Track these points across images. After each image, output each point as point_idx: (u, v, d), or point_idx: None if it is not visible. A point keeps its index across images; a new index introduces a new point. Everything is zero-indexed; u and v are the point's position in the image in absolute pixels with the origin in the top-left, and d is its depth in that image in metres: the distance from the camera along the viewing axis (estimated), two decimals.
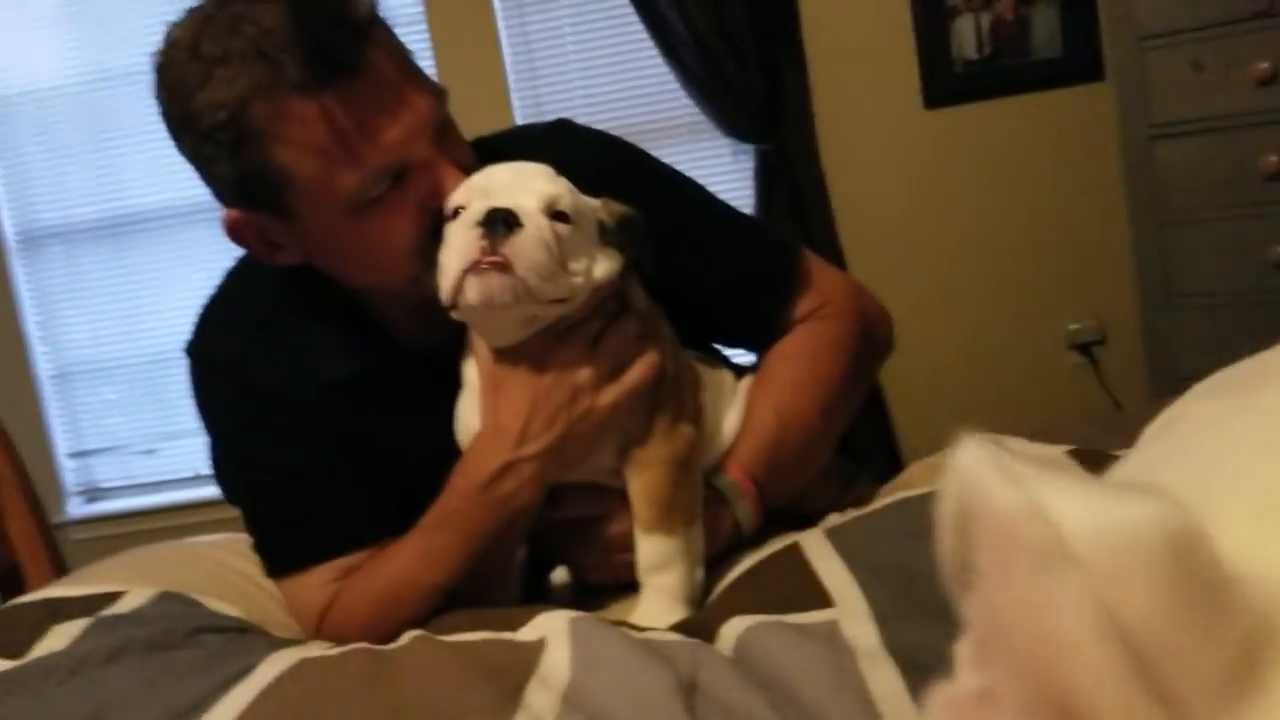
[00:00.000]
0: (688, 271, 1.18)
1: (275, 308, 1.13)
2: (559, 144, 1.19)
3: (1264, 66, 2.52)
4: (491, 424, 1.04)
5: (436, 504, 1.07)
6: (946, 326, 3.32)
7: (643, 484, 1.05)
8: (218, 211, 1.06)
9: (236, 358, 1.14)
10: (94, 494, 3.84)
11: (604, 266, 1.02)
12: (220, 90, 0.95)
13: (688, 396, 1.11)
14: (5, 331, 3.70)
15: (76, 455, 3.82)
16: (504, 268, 0.94)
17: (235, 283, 1.19)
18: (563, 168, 1.11)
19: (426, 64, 3.33)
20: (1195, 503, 0.27)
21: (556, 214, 0.98)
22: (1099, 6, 3.17)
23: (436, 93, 1.04)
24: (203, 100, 0.95)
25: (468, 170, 1.05)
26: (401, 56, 1.03)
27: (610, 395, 1.04)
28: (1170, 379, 2.92)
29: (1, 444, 1.52)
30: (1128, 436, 1.06)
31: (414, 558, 1.08)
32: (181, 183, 3.48)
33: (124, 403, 3.80)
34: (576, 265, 0.99)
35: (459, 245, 0.95)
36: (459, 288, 0.96)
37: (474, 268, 0.94)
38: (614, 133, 1.24)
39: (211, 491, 1.17)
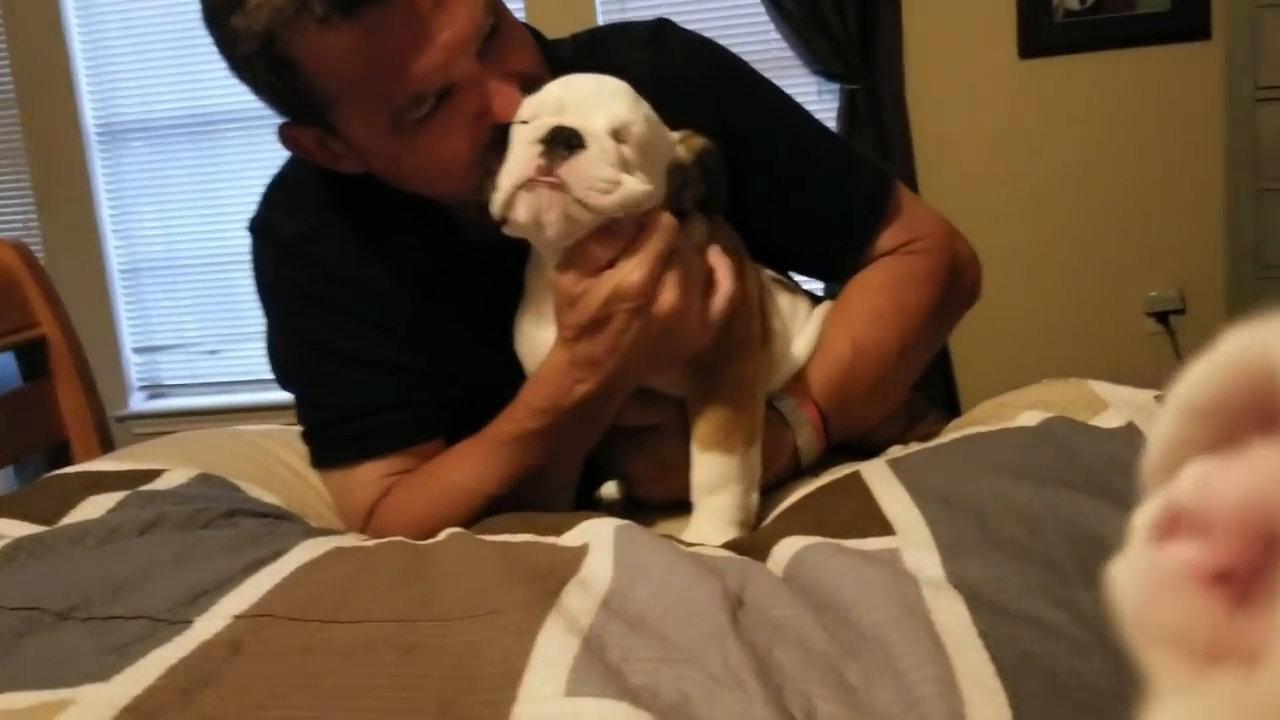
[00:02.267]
0: (776, 189, 1.13)
1: (346, 188, 1.10)
2: (659, 45, 1.13)
3: None
4: (569, 348, 0.98)
5: (507, 418, 1.03)
6: (1022, 284, 3.23)
7: (705, 400, 1.01)
8: None
9: (304, 234, 1.11)
10: (157, 390, 3.89)
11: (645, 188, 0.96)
12: (248, 19, 0.91)
13: (756, 316, 1.06)
14: (81, 223, 3.75)
15: (143, 350, 3.87)
16: (558, 187, 0.89)
17: (305, 160, 1.15)
18: (661, 70, 1.06)
19: None
20: None
21: (624, 141, 0.93)
22: None
23: (482, 2, 0.97)
24: (234, 26, 0.92)
25: (529, 77, 1.00)
26: None
27: (718, 308, 0.99)
28: None
29: (61, 323, 1.52)
30: None
31: (477, 469, 1.04)
32: None
33: (193, 302, 3.84)
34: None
35: (516, 160, 0.91)
36: (510, 204, 0.91)
37: (527, 184, 0.90)
38: None
39: (272, 396, 1.15)
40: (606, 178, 0.89)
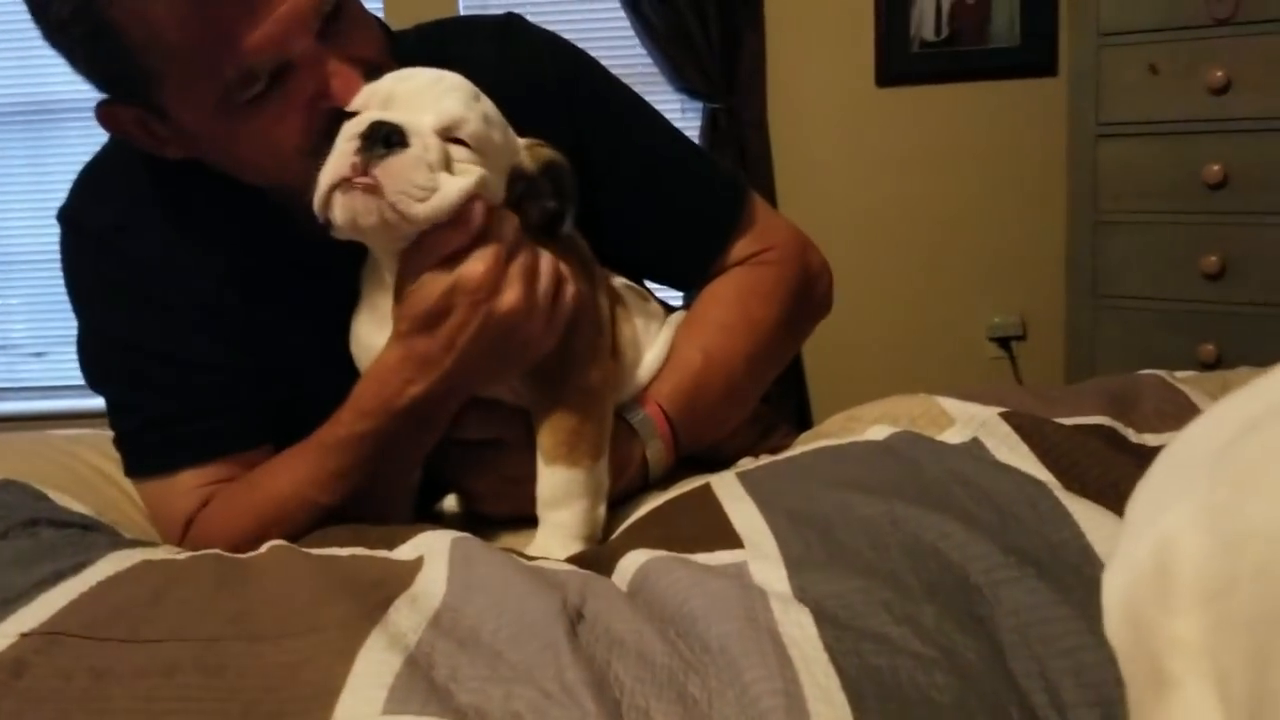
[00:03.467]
0: (627, 193, 1.10)
1: (167, 176, 1.02)
2: (506, 39, 1.09)
3: (1220, 75, 2.51)
4: (403, 343, 0.92)
5: (336, 421, 0.97)
6: (871, 304, 3.29)
7: (549, 411, 0.97)
8: None
9: (116, 224, 1.03)
10: None
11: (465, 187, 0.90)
12: None
13: (605, 325, 1.03)
14: None
15: None
16: (373, 189, 0.84)
17: (124, 145, 1.07)
18: (508, 66, 1.02)
19: None
20: None
21: (454, 140, 0.88)
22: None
23: None
24: None
25: (371, 64, 0.94)
26: None
27: (564, 311, 0.95)
28: (1085, 380, 2.91)
29: None
30: (1062, 407, 1.03)
31: (303, 476, 0.98)
32: None
33: (21, 301, 3.63)
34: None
35: (334, 158, 0.86)
36: (328, 204, 0.86)
37: (343, 185, 0.85)
38: None
39: (100, 402, 1.06)
40: (421, 183, 0.85)
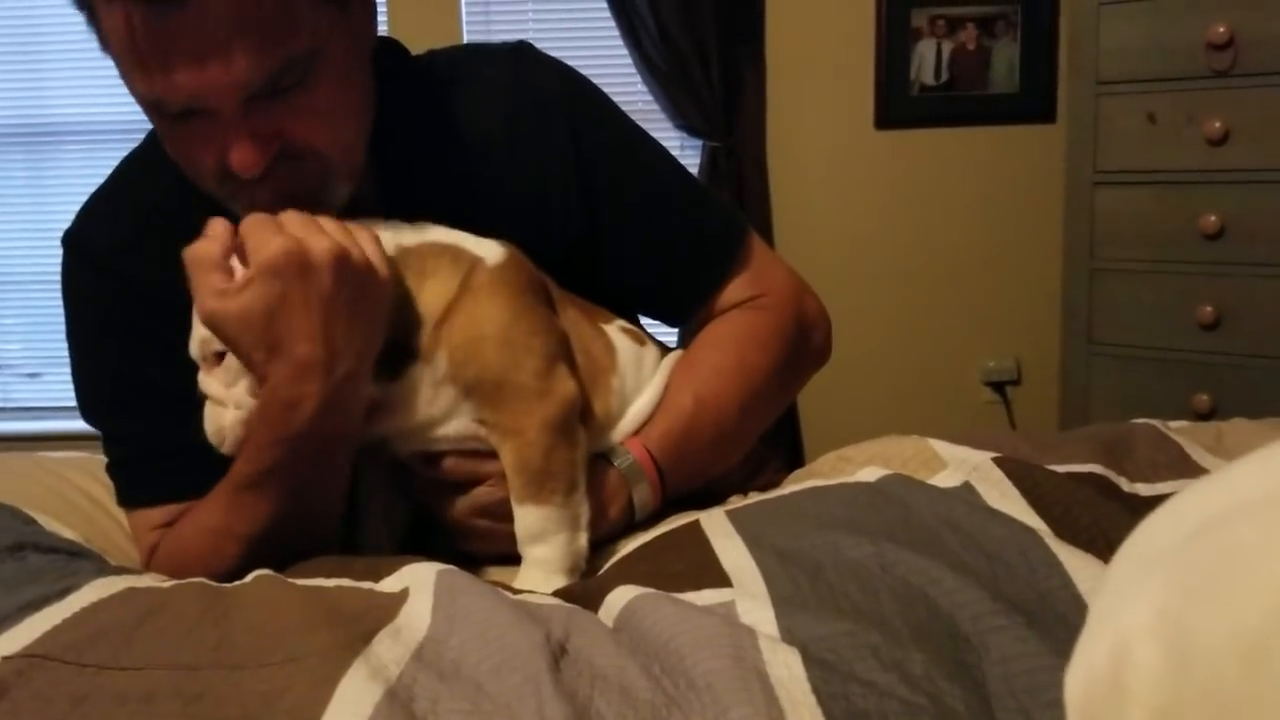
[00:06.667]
0: (626, 222, 1.10)
1: (171, 197, 1.02)
2: (516, 67, 1.11)
3: (1218, 125, 2.52)
4: (292, 354, 0.88)
5: (244, 458, 0.93)
6: (865, 345, 3.30)
7: (512, 451, 0.96)
8: (144, 131, 1.01)
9: (118, 249, 1.03)
10: None
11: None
12: None
13: (564, 355, 1.01)
14: None
15: None
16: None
17: (131, 168, 1.07)
18: (518, 85, 1.06)
19: (380, 20, 3.21)
20: None
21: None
22: (1060, 48, 3.17)
23: (280, 62, 0.88)
24: None
25: (309, 148, 0.93)
26: (254, 10, 0.86)
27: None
28: (1079, 426, 2.90)
29: None
30: (1055, 454, 1.02)
31: (224, 510, 0.95)
32: (109, 98, 3.37)
33: (17, 321, 3.63)
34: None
35: None
36: None
37: None
38: None
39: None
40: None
